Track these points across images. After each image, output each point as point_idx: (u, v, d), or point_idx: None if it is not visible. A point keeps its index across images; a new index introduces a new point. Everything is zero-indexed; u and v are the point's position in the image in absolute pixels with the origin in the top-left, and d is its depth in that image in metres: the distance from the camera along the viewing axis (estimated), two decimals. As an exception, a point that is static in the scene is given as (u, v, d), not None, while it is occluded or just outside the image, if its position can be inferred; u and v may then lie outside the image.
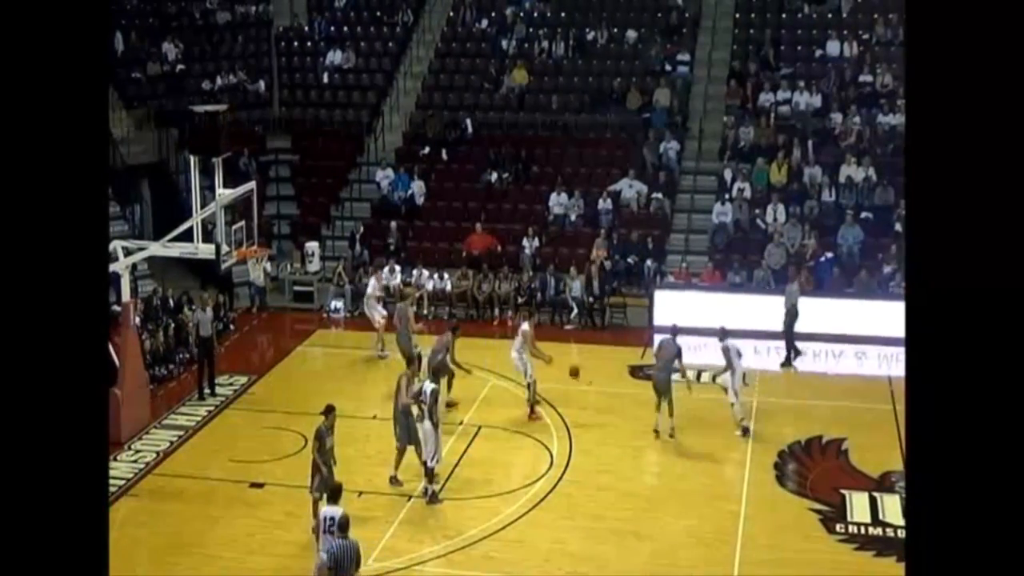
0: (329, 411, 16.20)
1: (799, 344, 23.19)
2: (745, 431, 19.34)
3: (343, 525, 12.74)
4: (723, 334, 19.66)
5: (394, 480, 17.69)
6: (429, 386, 17.15)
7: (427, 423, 16.95)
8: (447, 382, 20.09)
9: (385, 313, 23.31)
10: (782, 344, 23.20)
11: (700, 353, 23.04)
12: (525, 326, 20.45)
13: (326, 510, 13.48)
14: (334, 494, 13.67)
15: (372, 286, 23.85)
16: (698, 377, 20.41)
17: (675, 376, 19.30)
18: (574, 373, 20.44)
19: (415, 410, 17.17)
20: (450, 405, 20.11)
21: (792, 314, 22.98)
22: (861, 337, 23.54)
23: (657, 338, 22.56)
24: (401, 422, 17.58)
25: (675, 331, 19.96)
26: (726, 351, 19.43)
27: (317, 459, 15.83)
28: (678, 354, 19.35)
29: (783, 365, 23.07)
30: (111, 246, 19.92)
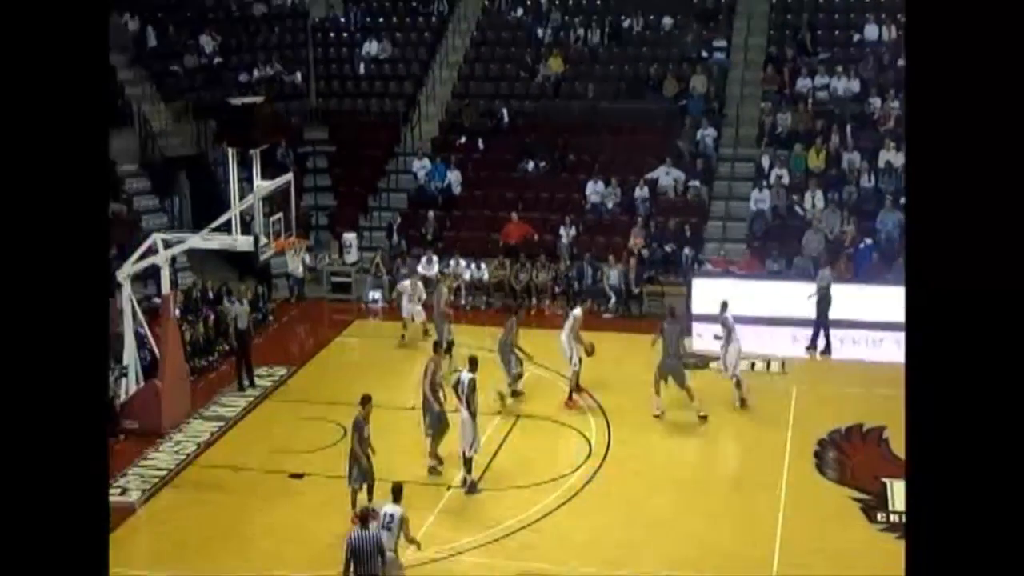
0: (366, 401, 16.32)
1: (833, 332, 23.03)
2: (743, 402, 19.79)
3: (364, 518, 13.05)
4: (723, 307, 20.36)
5: (433, 469, 17.87)
6: (467, 376, 17.19)
7: (464, 413, 17.06)
8: (511, 382, 20.30)
9: (421, 310, 23.64)
10: (820, 332, 23.08)
11: (742, 340, 23.13)
12: (577, 311, 20.74)
13: (386, 508, 13.67)
14: (396, 493, 13.85)
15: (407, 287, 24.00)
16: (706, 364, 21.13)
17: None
18: (589, 351, 20.37)
19: (454, 400, 17.27)
20: (516, 394, 20.39)
21: (825, 300, 22.84)
22: (901, 324, 23.27)
23: (695, 326, 22.69)
24: (428, 409, 17.82)
25: (672, 312, 20.49)
26: (725, 323, 20.03)
27: (356, 449, 15.99)
28: (681, 334, 19.93)
29: (822, 353, 22.99)
30: (152, 239, 20.22)
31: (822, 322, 22.95)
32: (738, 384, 19.93)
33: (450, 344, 20.47)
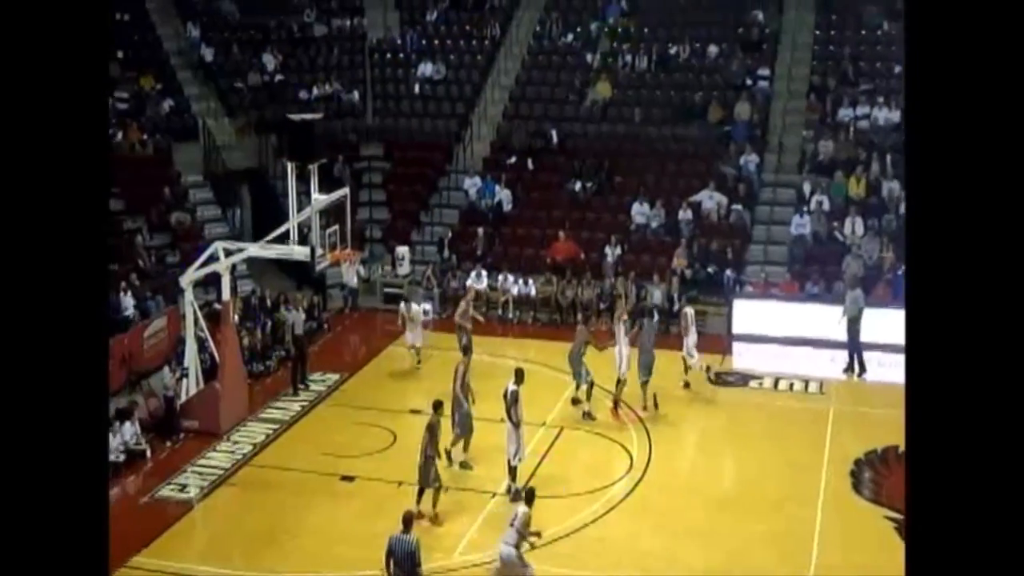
0: (438, 406, 17.01)
1: (871, 354, 23.13)
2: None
3: (407, 521, 13.36)
4: (687, 302, 23.06)
5: (463, 464, 18.48)
6: (512, 387, 17.62)
7: (508, 423, 17.48)
8: (587, 391, 20.55)
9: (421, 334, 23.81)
10: (856, 354, 23.23)
11: (779, 362, 23.46)
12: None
13: (518, 508, 14.35)
14: (529, 496, 14.57)
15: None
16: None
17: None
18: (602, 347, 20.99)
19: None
20: (587, 416, 20.49)
21: (856, 322, 23.00)
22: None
23: (736, 346, 23.07)
24: (457, 408, 18.40)
25: (650, 313, 22.18)
26: (684, 316, 21.90)
27: (429, 452, 16.56)
28: (656, 332, 21.45)
29: (857, 375, 23.11)
30: (213, 247, 20.61)
31: (854, 344, 23.09)
32: (686, 368, 21.94)
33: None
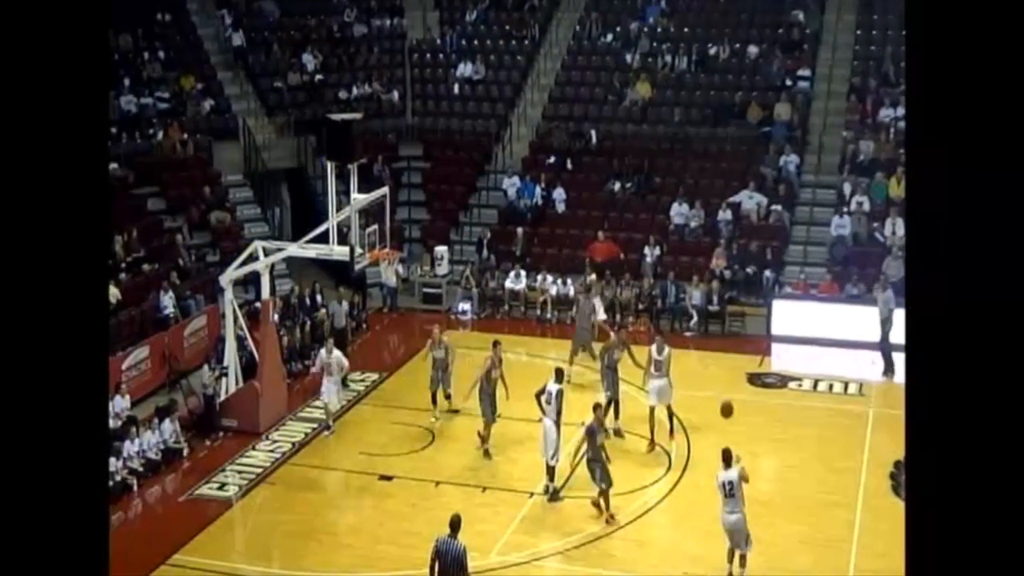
0: (597, 408, 17.23)
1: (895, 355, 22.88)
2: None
3: (454, 525, 13.15)
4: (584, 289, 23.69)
5: (487, 453, 18.79)
6: (555, 387, 17.66)
7: (547, 421, 17.53)
8: (608, 405, 19.64)
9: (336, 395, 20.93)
10: (895, 355, 22.91)
11: (819, 363, 23.33)
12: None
13: (724, 474, 14.73)
14: (726, 458, 14.87)
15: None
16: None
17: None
18: (726, 411, 17.78)
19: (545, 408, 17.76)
20: (617, 434, 19.68)
21: (888, 323, 22.86)
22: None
23: (775, 347, 22.94)
24: (484, 399, 18.69)
25: (588, 288, 23.40)
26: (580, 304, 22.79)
27: (591, 455, 16.57)
28: (594, 310, 22.17)
29: (883, 373, 22.94)
30: (253, 246, 20.78)
31: (885, 344, 22.95)
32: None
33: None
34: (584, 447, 16.90)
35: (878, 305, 23.11)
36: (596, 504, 16.85)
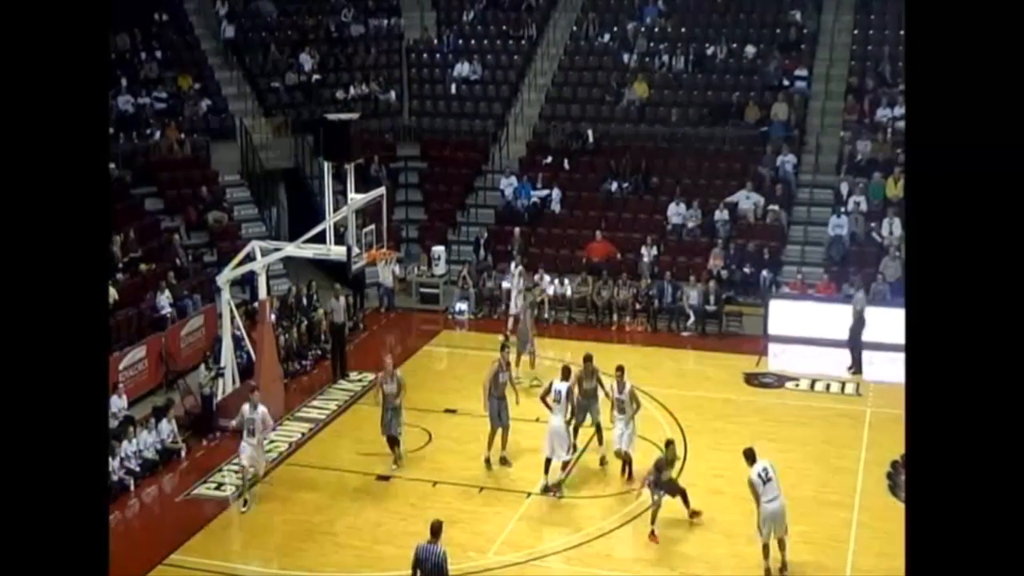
0: (670, 443, 16.94)
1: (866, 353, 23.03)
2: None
3: (435, 531, 12.97)
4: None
5: (487, 462, 18.51)
6: (562, 386, 17.71)
7: (555, 419, 17.56)
8: (597, 435, 19.08)
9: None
10: (896, 356, 22.89)
11: (816, 363, 23.32)
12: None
13: (754, 467, 14.94)
14: (750, 456, 15.08)
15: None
16: None
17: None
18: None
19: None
20: (602, 463, 18.82)
21: (859, 322, 22.94)
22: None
23: (772, 347, 22.94)
24: (490, 405, 18.41)
25: (528, 288, 24.14)
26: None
27: (654, 493, 16.26)
28: (533, 306, 23.00)
29: (851, 371, 22.94)
30: (250, 246, 20.81)
31: (855, 342, 23.00)
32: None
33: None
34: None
35: (852, 304, 23.25)
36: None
